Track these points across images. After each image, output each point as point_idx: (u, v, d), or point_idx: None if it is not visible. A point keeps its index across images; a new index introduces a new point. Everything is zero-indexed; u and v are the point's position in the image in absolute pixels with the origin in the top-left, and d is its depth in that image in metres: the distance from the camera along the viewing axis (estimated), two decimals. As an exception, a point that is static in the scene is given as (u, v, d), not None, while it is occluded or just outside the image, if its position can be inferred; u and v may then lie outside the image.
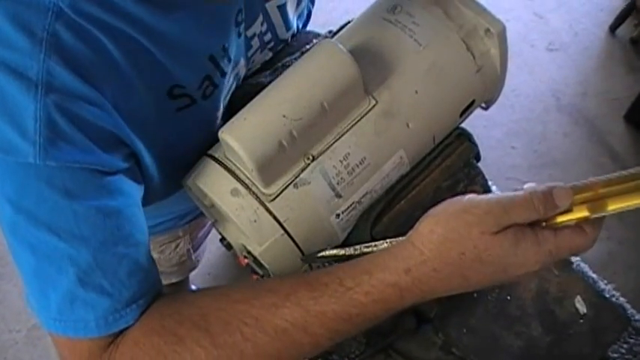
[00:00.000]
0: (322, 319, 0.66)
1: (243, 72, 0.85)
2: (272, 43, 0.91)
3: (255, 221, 0.69)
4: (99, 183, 0.66)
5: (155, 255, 1.37)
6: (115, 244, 0.68)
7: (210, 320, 0.67)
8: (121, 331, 0.70)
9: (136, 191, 0.73)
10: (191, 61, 0.72)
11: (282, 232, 0.70)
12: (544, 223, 0.64)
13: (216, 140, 0.73)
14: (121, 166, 0.69)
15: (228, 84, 0.81)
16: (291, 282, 0.68)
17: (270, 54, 0.91)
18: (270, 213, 0.69)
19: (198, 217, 1.31)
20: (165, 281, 1.64)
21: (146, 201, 0.77)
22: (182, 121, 0.74)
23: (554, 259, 0.63)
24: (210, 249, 1.79)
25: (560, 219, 0.63)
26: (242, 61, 0.83)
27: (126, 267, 0.69)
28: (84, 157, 0.64)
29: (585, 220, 0.63)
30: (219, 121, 0.80)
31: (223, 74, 0.77)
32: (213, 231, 1.19)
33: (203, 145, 0.76)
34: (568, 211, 0.63)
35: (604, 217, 0.63)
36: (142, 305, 0.70)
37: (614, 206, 0.61)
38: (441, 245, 0.63)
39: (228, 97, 0.82)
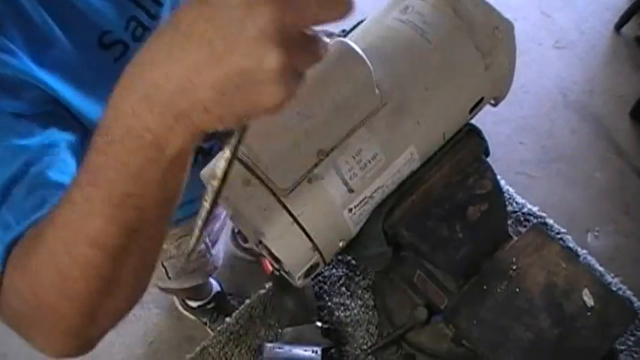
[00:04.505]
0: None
1: None
2: None
3: (264, 209, 0.70)
4: (7, 123, 0.66)
5: (173, 250, 1.38)
6: (22, 181, 0.66)
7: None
8: None
9: (56, 134, 0.70)
10: (111, 2, 0.73)
11: (292, 220, 0.70)
12: None
13: None
14: (33, 110, 0.68)
15: None
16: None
17: None
18: (285, 207, 0.70)
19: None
20: (191, 283, 1.65)
21: None
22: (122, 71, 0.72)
23: (267, 23, 0.44)
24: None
25: None
26: None
27: (32, 203, 0.66)
28: None
29: None
30: None
31: (152, 16, 0.77)
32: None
33: None
34: None
35: None
36: None
37: None
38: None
39: None
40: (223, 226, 1.58)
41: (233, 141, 0.53)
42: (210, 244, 1.50)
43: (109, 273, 0.60)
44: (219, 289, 2.24)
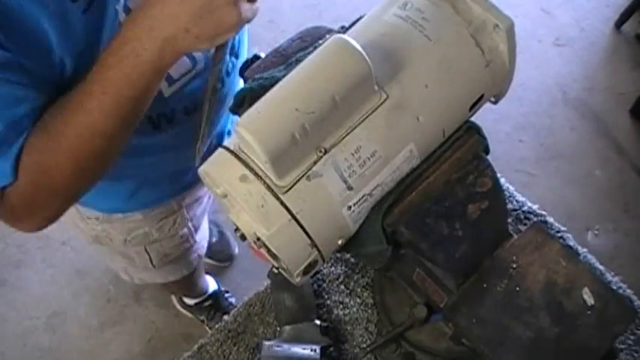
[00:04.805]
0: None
1: None
2: None
3: (262, 206, 0.70)
4: None
5: (155, 234, 1.39)
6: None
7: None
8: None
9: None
10: None
11: (290, 217, 0.71)
12: None
13: None
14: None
15: None
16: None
17: None
18: (283, 204, 0.70)
19: (190, 186, 1.33)
20: (176, 275, 1.64)
21: None
22: (92, 21, 0.81)
23: None
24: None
25: None
26: None
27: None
28: None
29: None
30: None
31: None
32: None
33: None
34: None
35: None
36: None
37: None
38: None
39: None
40: (205, 212, 1.58)
41: (220, 54, 0.82)
42: (193, 229, 1.50)
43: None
44: (216, 286, 2.24)
